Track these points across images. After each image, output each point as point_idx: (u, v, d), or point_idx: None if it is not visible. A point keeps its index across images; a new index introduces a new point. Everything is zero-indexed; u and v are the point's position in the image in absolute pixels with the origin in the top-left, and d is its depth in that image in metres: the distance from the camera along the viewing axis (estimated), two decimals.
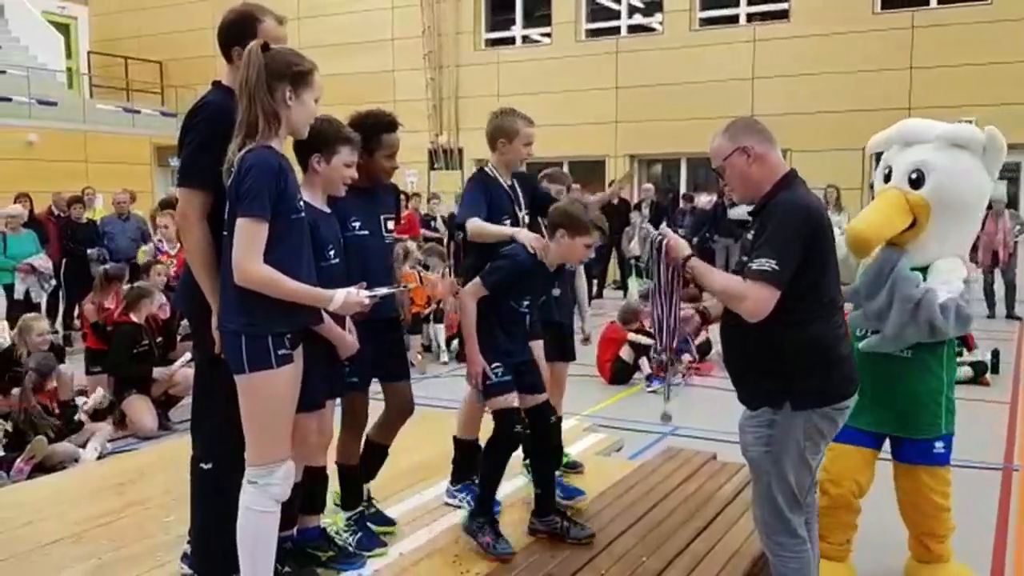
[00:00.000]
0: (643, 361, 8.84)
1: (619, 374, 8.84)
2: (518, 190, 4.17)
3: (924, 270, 3.85)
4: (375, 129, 3.67)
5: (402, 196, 12.64)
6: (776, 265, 2.87)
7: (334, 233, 3.34)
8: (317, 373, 3.18)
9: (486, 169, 4.16)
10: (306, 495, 3.37)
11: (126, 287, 7.76)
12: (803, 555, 3.15)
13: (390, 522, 3.96)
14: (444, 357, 9.90)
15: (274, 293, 2.78)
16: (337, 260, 3.30)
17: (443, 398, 6.81)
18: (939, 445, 3.87)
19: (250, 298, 2.77)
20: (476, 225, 3.90)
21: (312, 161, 3.29)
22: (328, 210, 3.38)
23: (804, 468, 3.09)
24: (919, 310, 3.67)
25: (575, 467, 4.73)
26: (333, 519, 3.78)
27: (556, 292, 4.34)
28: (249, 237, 2.73)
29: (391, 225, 3.79)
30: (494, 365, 3.69)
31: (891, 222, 3.82)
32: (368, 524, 3.80)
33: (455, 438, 4.31)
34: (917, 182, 3.85)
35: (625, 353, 8.86)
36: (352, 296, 2.91)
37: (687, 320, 3.40)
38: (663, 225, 3.41)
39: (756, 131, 3.12)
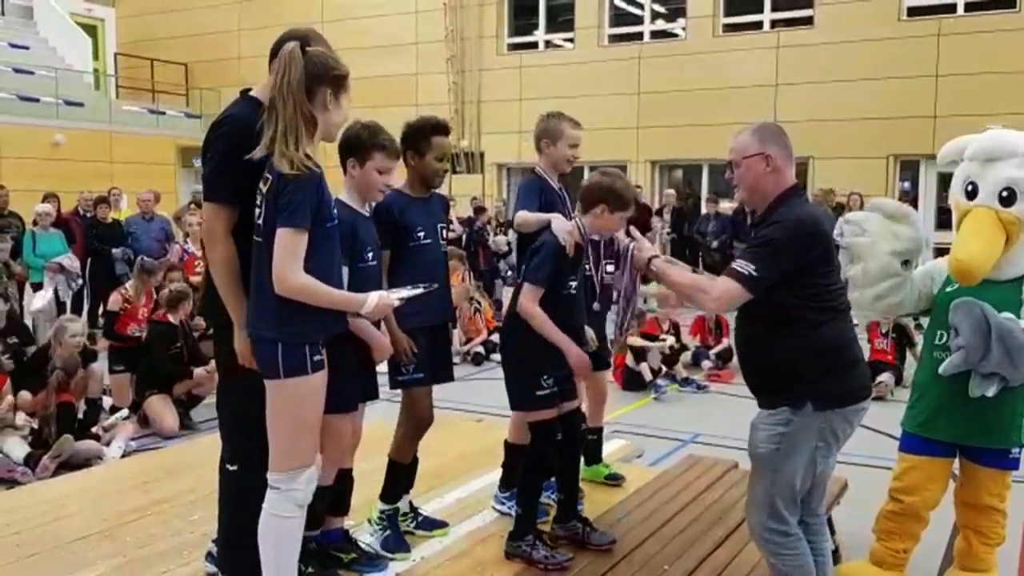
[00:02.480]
0: (644, 367, 8.78)
1: (629, 381, 8.82)
2: (565, 193, 4.26)
3: (1014, 281, 3.82)
4: (424, 131, 3.74)
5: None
6: (755, 271, 2.95)
7: (372, 235, 3.40)
8: (350, 375, 3.21)
9: (537, 171, 4.24)
10: (332, 497, 3.39)
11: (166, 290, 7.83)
12: (800, 549, 3.17)
13: (442, 524, 3.99)
14: (456, 359, 9.96)
15: (313, 301, 2.78)
16: (375, 262, 3.37)
17: (457, 400, 6.83)
18: (1015, 451, 3.87)
19: (288, 306, 2.76)
20: (521, 215, 4.03)
21: (348, 165, 3.36)
22: (367, 213, 3.43)
23: (811, 469, 3.12)
24: None
25: (616, 479, 4.70)
26: (370, 508, 3.83)
27: (596, 307, 4.30)
28: (290, 247, 2.73)
29: (444, 233, 3.87)
30: (544, 377, 3.66)
31: (992, 246, 3.75)
32: (398, 524, 3.82)
33: (507, 443, 4.26)
34: (1008, 200, 3.80)
35: (629, 360, 8.83)
36: (384, 298, 2.93)
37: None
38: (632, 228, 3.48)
39: (783, 143, 3.16)
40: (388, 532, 3.76)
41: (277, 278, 2.74)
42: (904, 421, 4.07)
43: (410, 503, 4.00)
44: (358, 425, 3.52)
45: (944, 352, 3.83)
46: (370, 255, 3.34)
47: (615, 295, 3.53)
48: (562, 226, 3.70)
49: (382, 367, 3.57)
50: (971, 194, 3.93)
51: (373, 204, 3.58)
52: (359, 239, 3.29)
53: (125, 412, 6.88)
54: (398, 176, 3.57)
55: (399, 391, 3.80)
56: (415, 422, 3.81)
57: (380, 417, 4.65)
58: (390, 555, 3.68)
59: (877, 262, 3.97)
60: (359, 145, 3.32)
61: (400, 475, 3.84)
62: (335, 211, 2.93)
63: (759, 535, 3.23)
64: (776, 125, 3.29)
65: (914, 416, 4.01)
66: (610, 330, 4.86)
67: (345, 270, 3.18)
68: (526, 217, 4.01)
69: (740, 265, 2.99)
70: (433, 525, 3.97)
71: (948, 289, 3.95)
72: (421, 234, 3.70)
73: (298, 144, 2.75)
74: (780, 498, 3.11)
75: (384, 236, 3.60)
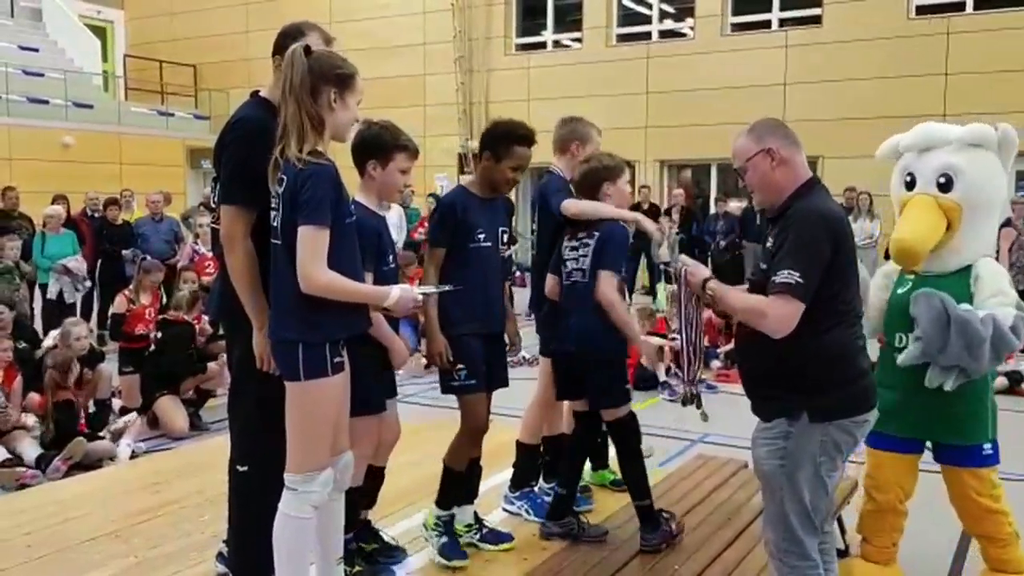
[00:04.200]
0: (660, 366, 8.79)
1: (641, 380, 8.79)
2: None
3: (960, 272, 3.83)
4: (508, 138, 3.67)
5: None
6: (800, 278, 2.77)
7: (390, 237, 3.45)
8: (375, 376, 3.27)
9: (555, 170, 4.21)
10: (362, 492, 3.45)
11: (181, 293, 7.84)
12: None
13: (508, 538, 3.90)
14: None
15: (340, 297, 2.79)
16: (395, 265, 3.40)
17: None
18: (987, 447, 3.85)
19: (309, 306, 2.75)
20: (574, 204, 3.90)
21: (368, 167, 3.35)
22: (383, 214, 3.45)
23: (820, 486, 2.93)
24: (1002, 345, 3.60)
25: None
26: (427, 514, 3.78)
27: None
28: (314, 244, 2.71)
29: (506, 238, 3.84)
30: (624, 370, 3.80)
31: (933, 229, 3.80)
32: (454, 531, 3.76)
33: (519, 443, 4.29)
34: (946, 186, 3.85)
35: (645, 359, 8.80)
36: (407, 291, 2.92)
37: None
38: (680, 254, 3.31)
39: (782, 134, 3.00)
40: (445, 539, 3.68)
41: (303, 277, 2.72)
42: None
43: (475, 514, 3.94)
44: (396, 422, 3.59)
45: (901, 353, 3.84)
46: (390, 257, 3.38)
47: (677, 329, 3.37)
48: (651, 226, 3.88)
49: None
50: (910, 185, 3.99)
51: (389, 205, 3.60)
52: (383, 242, 3.32)
53: (133, 416, 6.89)
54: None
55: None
56: (470, 429, 3.72)
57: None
58: (447, 562, 3.63)
59: None
60: (381, 146, 3.32)
61: (453, 481, 3.75)
62: (352, 208, 2.93)
63: (774, 556, 3.04)
64: (772, 118, 3.11)
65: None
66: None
67: (369, 276, 3.19)
68: (582, 206, 3.88)
69: (783, 276, 2.78)
70: (499, 538, 3.88)
71: (900, 290, 3.95)
72: (481, 236, 3.63)
73: (301, 145, 2.75)
74: (795, 517, 2.93)
75: (442, 233, 3.59)
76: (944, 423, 3.82)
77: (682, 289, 3.18)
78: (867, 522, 4.12)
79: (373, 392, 3.31)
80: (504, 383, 3.90)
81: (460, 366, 3.56)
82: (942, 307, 3.62)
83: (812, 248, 2.82)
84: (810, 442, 2.89)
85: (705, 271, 3.13)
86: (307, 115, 2.77)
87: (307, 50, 2.83)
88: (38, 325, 9.62)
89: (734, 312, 3.10)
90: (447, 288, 3.19)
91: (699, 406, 3.41)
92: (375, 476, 3.55)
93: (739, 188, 15.45)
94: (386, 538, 3.69)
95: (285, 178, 2.77)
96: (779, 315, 2.81)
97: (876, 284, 4.13)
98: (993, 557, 3.95)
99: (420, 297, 2.99)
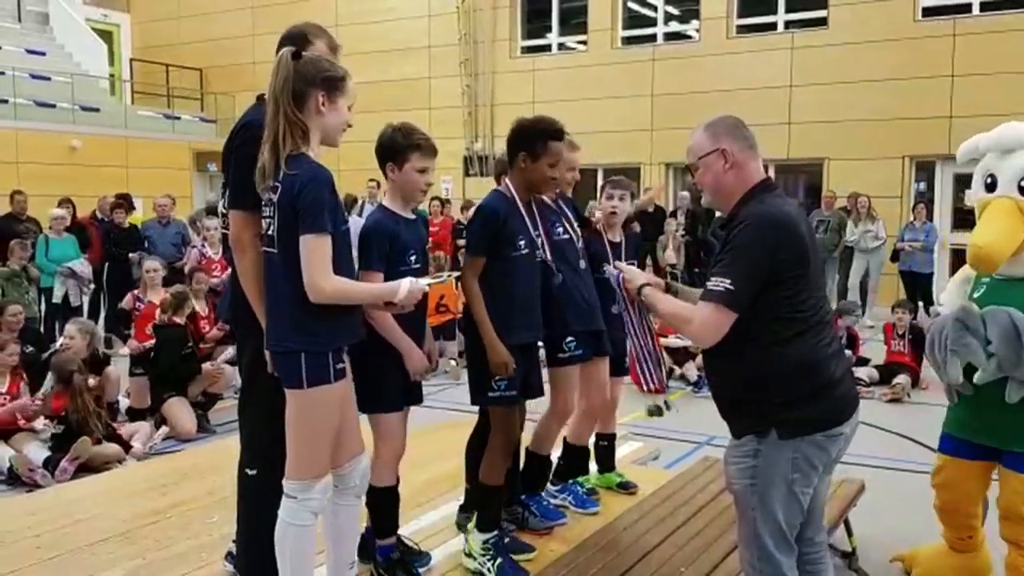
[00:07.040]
0: (689, 367, 8.93)
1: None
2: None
3: None
4: (541, 135, 3.60)
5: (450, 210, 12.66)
6: (731, 285, 2.67)
7: (417, 238, 3.41)
8: (393, 375, 3.26)
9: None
10: (376, 516, 3.43)
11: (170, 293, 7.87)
12: None
13: (529, 548, 3.80)
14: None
15: (350, 301, 2.78)
16: (419, 265, 3.36)
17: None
18: None
19: (311, 316, 2.73)
20: None
21: (387, 170, 3.35)
22: (410, 216, 3.43)
23: (794, 503, 2.81)
24: None
25: (628, 487, 4.64)
26: (467, 542, 3.66)
27: (615, 310, 4.27)
28: (319, 253, 2.68)
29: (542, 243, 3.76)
30: None
31: (1012, 234, 3.71)
32: (506, 550, 3.63)
33: (565, 440, 4.38)
34: None
35: (667, 361, 8.88)
36: (415, 284, 2.88)
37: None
38: (616, 261, 3.30)
39: (740, 136, 2.89)
40: (499, 559, 3.54)
41: (311, 287, 2.69)
42: (944, 422, 4.11)
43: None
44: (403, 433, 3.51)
45: None
46: (413, 258, 3.32)
47: (628, 339, 3.33)
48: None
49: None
50: (991, 187, 3.92)
51: (415, 205, 3.53)
52: (400, 242, 3.28)
53: (141, 424, 6.90)
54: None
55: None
56: (503, 442, 3.63)
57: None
58: None
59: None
60: (394, 148, 3.31)
61: (494, 498, 3.65)
62: (345, 215, 2.91)
63: (747, 573, 2.94)
64: (732, 117, 2.97)
65: (951, 419, 4.05)
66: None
67: (379, 276, 3.20)
68: None
69: (714, 282, 2.71)
70: (520, 549, 3.79)
71: (976, 295, 3.92)
72: (522, 242, 3.57)
73: (277, 151, 2.72)
74: (768, 536, 2.81)
75: (483, 242, 3.54)
76: (1002, 430, 3.79)
77: (622, 297, 3.15)
78: (939, 515, 4.19)
79: (390, 390, 3.29)
80: (540, 392, 3.82)
81: (498, 377, 3.49)
82: (1010, 322, 3.56)
83: (749, 257, 2.71)
84: (780, 460, 2.77)
85: (641, 277, 3.08)
86: (286, 120, 2.73)
87: (296, 55, 2.80)
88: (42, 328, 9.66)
89: (664, 319, 3.02)
90: (448, 275, 3.20)
91: (667, 408, 3.44)
92: (389, 495, 3.46)
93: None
94: (409, 543, 3.65)
95: (280, 185, 2.72)
96: (704, 321, 2.74)
97: (953, 289, 4.10)
98: (1019, 569, 3.90)
99: (427, 288, 2.95)
